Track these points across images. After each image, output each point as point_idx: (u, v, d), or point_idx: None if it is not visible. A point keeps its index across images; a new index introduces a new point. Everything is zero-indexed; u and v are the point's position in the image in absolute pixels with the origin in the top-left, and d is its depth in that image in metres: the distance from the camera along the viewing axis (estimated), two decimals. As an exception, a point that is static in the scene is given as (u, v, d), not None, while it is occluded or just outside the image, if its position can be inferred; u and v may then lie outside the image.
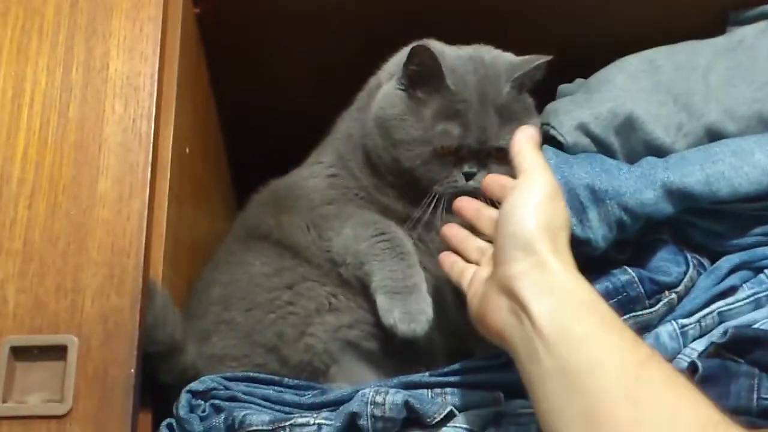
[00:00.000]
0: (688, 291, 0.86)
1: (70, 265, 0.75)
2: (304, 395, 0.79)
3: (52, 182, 0.78)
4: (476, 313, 0.68)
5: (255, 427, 0.73)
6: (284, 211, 0.93)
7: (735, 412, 0.68)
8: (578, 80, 1.04)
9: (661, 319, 0.85)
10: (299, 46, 1.10)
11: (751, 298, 0.83)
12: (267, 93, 1.17)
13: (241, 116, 1.18)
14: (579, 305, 0.59)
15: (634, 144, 0.93)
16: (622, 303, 0.84)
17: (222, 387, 0.77)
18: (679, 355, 0.82)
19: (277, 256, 0.88)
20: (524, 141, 0.72)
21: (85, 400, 0.70)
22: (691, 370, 0.75)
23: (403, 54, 0.88)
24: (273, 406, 0.77)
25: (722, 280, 0.84)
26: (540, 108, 0.97)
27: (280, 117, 1.16)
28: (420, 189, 0.85)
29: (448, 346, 0.89)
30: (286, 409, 0.77)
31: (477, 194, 0.81)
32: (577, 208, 0.86)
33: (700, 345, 0.82)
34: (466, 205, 0.79)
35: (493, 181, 0.75)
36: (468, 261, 0.76)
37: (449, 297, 0.87)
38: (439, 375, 0.78)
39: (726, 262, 0.86)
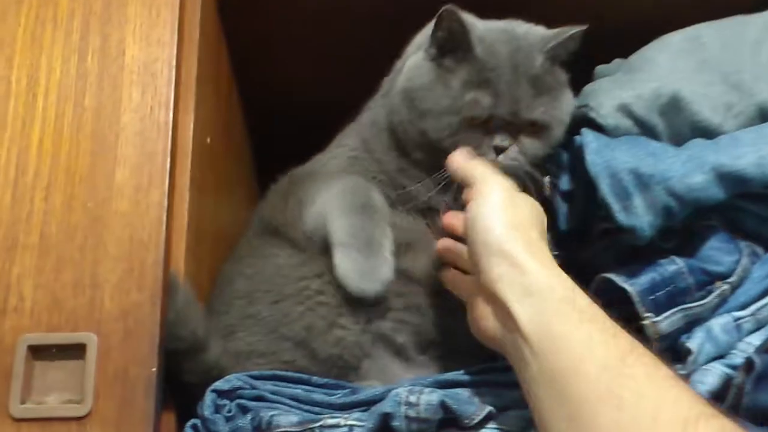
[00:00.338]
0: (741, 281, 0.83)
1: (88, 260, 0.74)
2: (334, 394, 0.77)
3: (69, 174, 0.77)
4: (471, 322, 0.72)
5: (283, 428, 0.72)
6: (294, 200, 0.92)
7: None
8: (616, 60, 1.01)
9: (713, 311, 0.82)
10: (324, 32, 1.09)
11: (809, 289, 0.79)
12: (291, 80, 1.16)
13: (265, 104, 1.17)
14: (557, 304, 0.60)
15: (679, 126, 0.90)
16: (671, 295, 0.81)
17: (248, 386, 0.76)
18: (733, 351, 0.79)
19: (302, 247, 0.88)
20: (457, 156, 0.79)
21: (106, 401, 0.70)
22: (747, 367, 0.72)
23: (430, 25, 0.87)
24: (301, 406, 0.76)
25: (778, 269, 0.81)
26: (576, 91, 0.95)
27: (304, 105, 1.15)
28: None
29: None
30: (316, 409, 0.76)
31: (509, 172, 0.81)
32: (620, 194, 0.83)
33: (756, 339, 0.79)
34: (455, 221, 0.79)
35: (449, 218, 0.80)
36: (466, 273, 0.78)
37: None
38: (476, 373, 0.77)
39: (782, 250, 0.83)
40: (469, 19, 0.85)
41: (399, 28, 0.93)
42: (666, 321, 0.80)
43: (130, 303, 0.73)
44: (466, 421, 0.71)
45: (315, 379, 0.79)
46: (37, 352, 0.71)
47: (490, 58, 0.83)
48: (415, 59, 0.88)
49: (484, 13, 0.93)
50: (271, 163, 1.01)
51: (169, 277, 0.76)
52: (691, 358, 0.77)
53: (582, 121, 0.92)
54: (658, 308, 0.80)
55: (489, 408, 0.72)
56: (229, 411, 0.75)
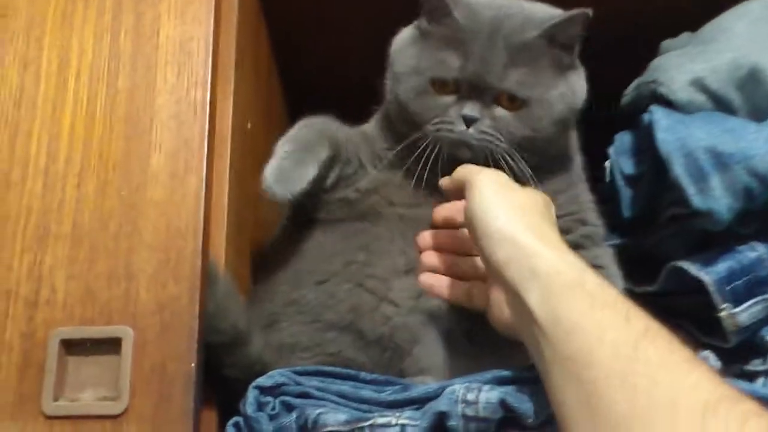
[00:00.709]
0: None
1: (123, 250, 0.74)
2: (384, 391, 0.75)
3: (102, 160, 0.77)
4: (492, 318, 0.74)
5: (330, 428, 0.70)
6: None
7: None
8: (684, 34, 0.99)
9: None
10: (368, 10, 1.06)
11: None
12: (334, 61, 1.15)
13: (306, 86, 1.16)
14: (566, 288, 0.60)
15: (758, 100, 0.87)
16: (750, 285, 0.79)
17: (293, 382, 0.75)
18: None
19: (346, 224, 0.87)
20: (445, 179, 0.82)
21: (142, 398, 0.69)
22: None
23: None
24: (349, 403, 0.74)
25: None
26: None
27: (346, 86, 1.13)
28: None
29: None
30: (364, 407, 0.74)
31: (477, 148, 0.81)
32: (696, 175, 0.80)
33: None
34: (453, 213, 0.82)
35: (446, 211, 0.83)
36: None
37: None
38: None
39: None
40: None
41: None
42: (745, 312, 0.78)
43: (166, 295, 0.72)
44: (529, 421, 0.67)
45: (363, 374, 0.77)
46: (71, 346, 0.71)
47: (469, 22, 0.81)
48: (405, 29, 0.89)
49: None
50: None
51: (208, 267, 0.75)
52: (771, 353, 0.73)
53: (650, 97, 0.90)
54: (737, 299, 0.78)
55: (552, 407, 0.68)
56: (273, 409, 0.74)
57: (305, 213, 0.90)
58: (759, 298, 0.78)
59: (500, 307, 0.70)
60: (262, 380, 0.75)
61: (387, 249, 0.84)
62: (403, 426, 0.69)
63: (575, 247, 0.75)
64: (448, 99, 0.82)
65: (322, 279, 0.84)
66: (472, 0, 0.84)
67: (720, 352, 0.78)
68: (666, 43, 0.99)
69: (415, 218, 0.86)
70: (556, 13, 0.85)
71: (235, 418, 0.74)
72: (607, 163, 0.94)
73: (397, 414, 0.71)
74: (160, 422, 0.68)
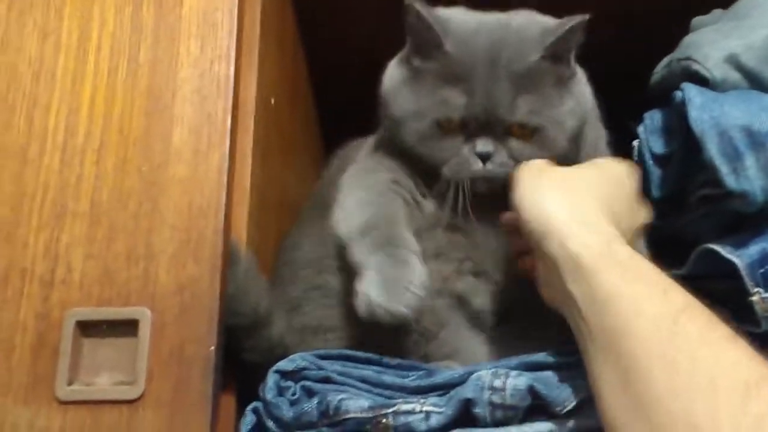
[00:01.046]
0: None
1: (142, 229, 0.66)
2: (408, 376, 0.69)
3: (122, 135, 0.69)
4: (542, 295, 0.67)
5: (352, 414, 0.63)
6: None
7: None
8: (716, 11, 0.90)
9: None
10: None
11: None
12: (359, 38, 1.05)
13: (331, 61, 1.08)
14: (595, 261, 0.57)
15: None
16: None
17: (314, 366, 0.68)
18: None
19: None
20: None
21: (160, 382, 0.62)
22: None
23: None
24: (372, 389, 0.67)
25: None
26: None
27: (373, 62, 1.05)
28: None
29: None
30: (387, 392, 0.67)
31: (497, 181, 0.74)
32: (730, 155, 0.72)
33: None
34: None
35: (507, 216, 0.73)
36: None
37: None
38: (567, 354, 0.66)
39: None
40: (438, 12, 0.75)
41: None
42: None
43: (186, 276, 0.65)
44: (558, 409, 0.61)
45: (386, 359, 0.71)
46: (86, 328, 0.64)
47: (464, 53, 0.72)
48: (392, 62, 0.79)
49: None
50: (338, 125, 0.92)
51: (230, 247, 0.68)
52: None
53: (682, 75, 0.81)
54: None
55: (583, 394, 0.62)
56: (294, 394, 0.67)
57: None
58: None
59: (548, 285, 0.65)
60: (283, 364, 0.68)
61: (416, 236, 0.75)
62: (427, 413, 0.63)
63: None
64: (458, 139, 0.74)
65: (344, 265, 0.76)
66: (459, 26, 0.74)
67: (752, 338, 0.70)
68: (697, 20, 0.90)
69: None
70: (549, 24, 0.76)
71: (254, 404, 0.68)
72: (635, 143, 0.85)
73: (422, 400, 0.64)
74: (178, 407, 0.62)
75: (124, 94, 0.70)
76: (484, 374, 0.63)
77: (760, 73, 0.78)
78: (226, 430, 0.66)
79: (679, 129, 0.78)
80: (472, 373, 0.64)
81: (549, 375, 0.65)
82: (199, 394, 0.62)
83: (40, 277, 0.65)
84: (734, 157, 0.72)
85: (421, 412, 0.63)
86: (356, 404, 0.64)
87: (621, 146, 0.86)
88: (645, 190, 0.85)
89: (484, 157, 0.73)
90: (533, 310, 0.74)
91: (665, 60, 0.86)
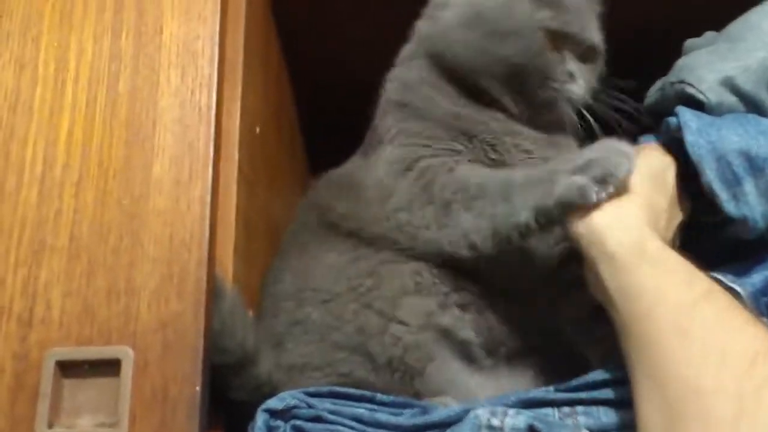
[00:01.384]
0: None
1: (123, 263, 0.66)
2: (402, 414, 0.67)
3: (101, 167, 0.69)
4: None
5: (346, 455, 0.61)
6: (355, 200, 0.82)
7: None
8: (709, 33, 0.90)
9: None
10: (381, 10, 0.98)
11: None
12: (346, 63, 1.06)
13: (317, 89, 1.08)
14: (628, 258, 0.61)
15: None
16: None
17: (304, 405, 0.67)
18: None
19: (353, 245, 0.79)
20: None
21: (143, 424, 0.61)
22: None
23: None
24: (366, 428, 0.66)
25: None
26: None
27: (359, 90, 1.05)
28: (533, 101, 0.79)
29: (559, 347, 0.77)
30: (381, 431, 0.66)
31: (575, 106, 0.79)
32: (729, 180, 0.73)
33: None
34: None
35: None
36: None
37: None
38: (568, 390, 0.66)
39: None
40: None
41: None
42: None
43: (169, 312, 0.64)
44: None
45: (379, 396, 0.70)
46: (67, 368, 0.63)
47: None
48: None
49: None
50: (324, 150, 0.91)
51: (214, 282, 0.67)
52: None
53: (676, 98, 0.81)
54: None
55: (584, 430, 0.62)
56: (284, 434, 0.65)
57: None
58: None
59: (591, 284, 0.67)
60: (272, 403, 0.67)
61: (397, 271, 0.76)
62: (423, 453, 0.61)
63: None
64: (556, 55, 0.78)
65: (326, 298, 0.76)
66: None
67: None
68: (690, 42, 0.90)
69: None
70: None
71: (243, 444, 0.66)
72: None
73: (417, 439, 0.63)
74: (162, 450, 0.60)
75: (103, 125, 0.70)
76: (481, 412, 0.62)
77: (757, 96, 0.79)
78: (214, 473, 0.65)
79: (675, 154, 0.78)
80: (468, 410, 0.64)
81: (548, 412, 0.65)
82: (185, 436, 0.61)
83: (18, 315, 0.64)
84: (733, 182, 0.73)
85: (416, 451, 0.62)
86: (349, 444, 0.63)
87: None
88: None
89: (571, 77, 0.78)
90: (528, 342, 0.75)
91: (658, 83, 0.86)
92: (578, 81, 0.78)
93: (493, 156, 0.78)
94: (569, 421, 0.63)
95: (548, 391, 0.66)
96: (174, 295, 0.65)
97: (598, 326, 0.70)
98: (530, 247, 0.75)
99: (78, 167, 0.69)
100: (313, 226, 0.85)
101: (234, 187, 0.75)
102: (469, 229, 0.72)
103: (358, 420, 0.67)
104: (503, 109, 0.80)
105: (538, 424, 0.60)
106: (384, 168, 0.80)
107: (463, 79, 0.80)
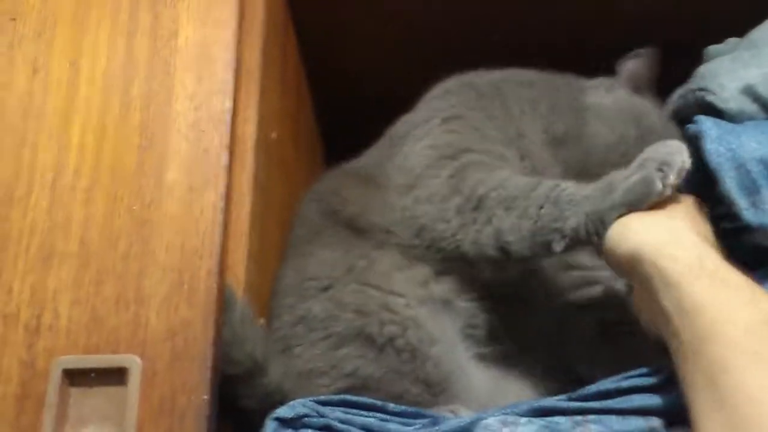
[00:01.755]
0: None
1: (133, 271, 0.63)
2: (412, 424, 0.64)
3: (113, 173, 0.66)
4: (640, 320, 0.65)
5: (355, 466, 0.58)
6: (364, 185, 0.81)
7: None
8: (731, 40, 0.87)
9: None
10: (398, 18, 0.96)
11: None
12: (363, 69, 1.04)
13: (336, 95, 1.05)
14: (684, 272, 0.55)
15: None
16: None
17: (315, 413, 0.64)
18: None
19: (346, 239, 0.77)
20: None
21: (150, 434, 0.58)
22: None
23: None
24: (376, 438, 0.62)
25: None
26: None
27: (377, 96, 1.02)
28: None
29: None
30: (392, 442, 0.62)
31: None
32: (749, 188, 0.70)
33: None
34: None
35: None
36: None
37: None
38: (580, 399, 0.63)
39: None
40: None
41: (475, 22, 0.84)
42: None
43: (179, 320, 0.61)
44: None
45: (391, 406, 0.66)
46: (74, 377, 0.60)
47: None
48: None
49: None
50: (343, 158, 0.88)
51: (225, 291, 0.65)
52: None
53: (696, 106, 0.79)
54: None
55: None
56: (294, 443, 0.63)
57: None
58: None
59: (642, 310, 0.63)
60: (282, 411, 0.64)
61: (387, 252, 0.75)
62: (433, 464, 0.59)
63: None
64: None
65: (326, 285, 0.74)
66: None
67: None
68: (712, 49, 0.88)
69: None
70: None
71: (252, 454, 0.64)
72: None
73: (427, 450, 0.60)
74: (169, 461, 0.57)
75: (116, 130, 0.67)
76: (493, 422, 0.59)
77: (778, 104, 0.76)
78: (222, 483, 0.63)
79: (694, 163, 0.75)
80: (479, 420, 0.60)
81: (560, 421, 0.61)
82: (192, 447, 0.58)
83: (26, 323, 0.61)
84: (753, 190, 0.69)
85: (426, 462, 0.59)
86: (360, 455, 0.60)
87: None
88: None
89: None
90: (528, 336, 0.74)
91: (680, 91, 0.84)
92: None
93: None
94: (580, 430, 0.59)
95: (560, 400, 0.63)
96: (184, 303, 0.62)
97: (602, 349, 0.70)
98: (543, 269, 0.73)
99: (89, 173, 0.66)
100: (312, 218, 0.83)
101: (248, 194, 0.71)
102: (504, 228, 0.68)
103: (368, 429, 0.64)
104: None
105: (548, 433, 0.58)
106: (421, 153, 0.77)
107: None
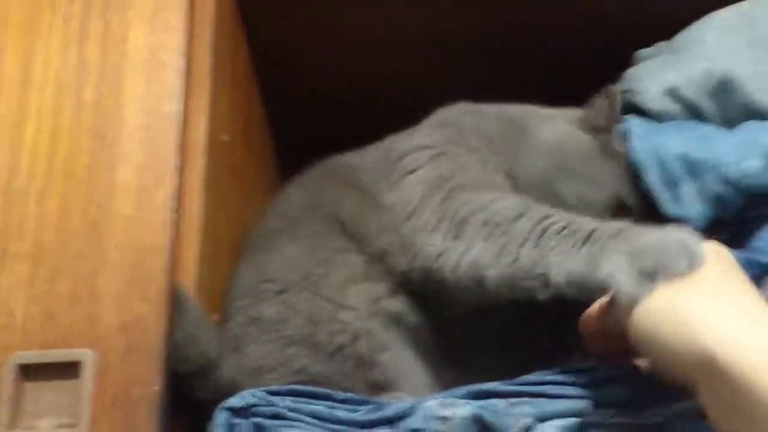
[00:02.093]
0: None
1: (86, 269, 0.63)
2: (358, 410, 0.65)
3: (66, 175, 0.66)
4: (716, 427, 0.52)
5: (303, 450, 0.59)
6: (362, 204, 0.78)
7: None
8: (660, 44, 0.89)
9: None
10: (350, 19, 0.95)
11: None
12: (316, 72, 1.03)
13: (289, 98, 1.05)
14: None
15: (731, 108, 0.78)
16: None
17: (265, 402, 0.64)
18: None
19: (318, 234, 0.76)
20: None
21: (104, 425, 0.58)
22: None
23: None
24: (323, 424, 0.64)
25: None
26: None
27: (332, 99, 1.03)
28: None
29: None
30: (338, 427, 0.64)
31: None
32: (669, 182, 0.73)
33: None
34: None
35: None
36: None
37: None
38: (517, 384, 0.64)
39: (840, 238, 0.71)
40: None
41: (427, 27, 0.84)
42: None
43: (132, 315, 0.62)
44: None
45: (338, 393, 0.67)
46: (28, 371, 0.60)
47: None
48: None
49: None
50: (297, 160, 0.88)
51: (177, 292, 0.64)
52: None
53: (626, 107, 0.82)
54: None
55: (527, 420, 0.60)
56: (244, 430, 0.63)
57: None
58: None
59: (719, 418, 0.48)
60: (233, 401, 0.64)
61: (348, 259, 0.74)
62: (377, 446, 0.60)
63: None
64: None
65: (281, 288, 0.74)
66: None
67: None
68: (641, 53, 0.90)
69: None
70: None
71: (203, 442, 0.64)
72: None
73: (371, 434, 0.61)
74: (123, 450, 0.58)
75: (69, 134, 0.67)
76: (433, 404, 0.61)
77: (698, 105, 0.78)
78: (175, 471, 0.63)
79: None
80: (420, 403, 0.62)
81: (496, 402, 0.62)
82: (145, 436, 0.58)
83: (-20, 322, 0.61)
84: (673, 184, 0.73)
85: (370, 445, 0.60)
86: (306, 440, 0.61)
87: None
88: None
89: None
90: (485, 344, 0.74)
91: None
92: None
93: None
94: (515, 410, 0.61)
95: (496, 384, 0.64)
96: (137, 299, 0.62)
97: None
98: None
99: (42, 175, 0.66)
100: (291, 208, 0.82)
101: (199, 195, 0.72)
102: (483, 262, 0.64)
103: (317, 416, 0.64)
104: None
105: (484, 413, 0.59)
106: (415, 186, 0.73)
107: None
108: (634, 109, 0.80)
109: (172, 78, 0.70)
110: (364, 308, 0.72)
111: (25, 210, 0.64)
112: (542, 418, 0.61)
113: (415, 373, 0.73)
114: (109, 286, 0.62)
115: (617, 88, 0.73)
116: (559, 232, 0.60)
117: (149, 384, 0.60)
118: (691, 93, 0.78)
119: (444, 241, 0.67)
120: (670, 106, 0.79)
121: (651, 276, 0.52)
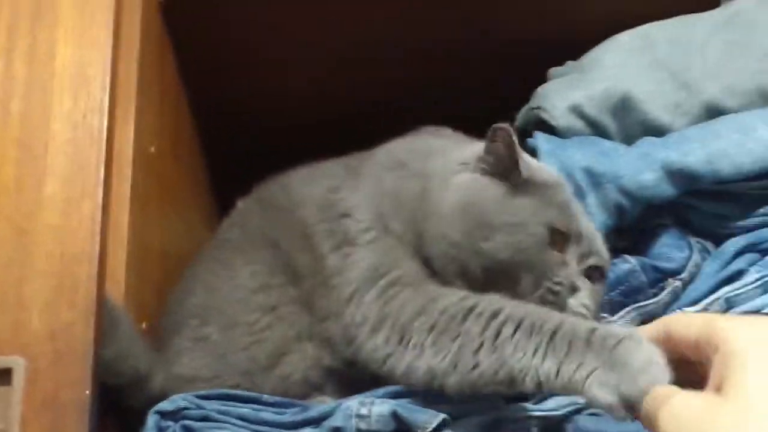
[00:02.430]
0: (693, 278, 0.77)
1: (14, 278, 0.63)
2: (285, 413, 0.67)
3: (-8, 185, 0.66)
4: None
5: (230, 451, 0.61)
6: (297, 228, 0.75)
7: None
8: (570, 63, 0.95)
9: (666, 308, 0.75)
10: (276, 31, 0.97)
11: (759, 282, 0.72)
12: (244, 83, 1.04)
13: (217, 113, 1.06)
14: None
15: (630, 125, 0.84)
16: (625, 293, 0.75)
17: (194, 406, 0.66)
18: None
19: (269, 270, 0.75)
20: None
21: (33, 428, 0.59)
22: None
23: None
24: (250, 425, 0.66)
25: (728, 264, 0.75)
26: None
27: (261, 115, 1.04)
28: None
29: None
30: (264, 428, 0.66)
31: None
32: (578, 194, 0.77)
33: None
34: None
35: None
36: None
37: None
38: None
39: (731, 245, 0.76)
40: None
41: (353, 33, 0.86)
42: (621, 321, 0.74)
43: (60, 322, 0.62)
44: (419, 430, 0.62)
45: (265, 397, 0.69)
46: None
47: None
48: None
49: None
50: (228, 173, 0.90)
51: (107, 306, 0.65)
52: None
53: (535, 123, 0.86)
54: (613, 308, 0.75)
55: (442, 415, 0.62)
56: (173, 433, 0.64)
57: None
58: (632, 306, 0.75)
59: None
60: (163, 405, 0.66)
61: (296, 315, 0.73)
62: (301, 446, 0.62)
63: None
64: (559, 257, 0.65)
65: (228, 324, 0.73)
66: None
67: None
68: (553, 71, 0.95)
69: None
70: None
71: (133, 446, 0.65)
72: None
73: (296, 433, 0.63)
74: (53, 454, 0.59)
75: (-6, 142, 0.67)
76: (353, 404, 0.63)
77: (600, 122, 0.84)
78: (105, 475, 0.64)
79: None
80: (341, 404, 0.64)
81: (412, 401, 0.65)
82: (75, 440, 0.59)
83: None
84: (578, 195, 0.76)
85: (295, 444, 0.62)
86: (234, 441, 0.62)
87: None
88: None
89: (574, 290, 0.65)
90: None
91: (523, 109, 0.90)
92: (580, 297, 0.65)
93: None
94: (428, 407, 0.64)
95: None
96: (65, 306, 0.63)
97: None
98: None
99: (-31, 186, 0.66)
100: (252, 223, 0.80)
101: (127, 205, 0.73)
102: (439, 372, 0.60)
103: (244, 419, 0.66)
104: None
105: (400, 410, 0.62)
106: (353, 266, 0.69)
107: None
108: (541, 125, 0.85)
109: (99, 93, 0.70)
110: (304, 365, 0.72)
111: (-48, 220, 0.65)
112: (458, 416, 0.64)
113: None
114: (36, 294, 0.63)
115: (507, 127, 0.66)
116: (513, 333, 0.56)
117: (78, 388, 0.60)
118: (593, 110, 0.83)
119: (387, 344, 0.63)
120: (574, 122, 0.83)
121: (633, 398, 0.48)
